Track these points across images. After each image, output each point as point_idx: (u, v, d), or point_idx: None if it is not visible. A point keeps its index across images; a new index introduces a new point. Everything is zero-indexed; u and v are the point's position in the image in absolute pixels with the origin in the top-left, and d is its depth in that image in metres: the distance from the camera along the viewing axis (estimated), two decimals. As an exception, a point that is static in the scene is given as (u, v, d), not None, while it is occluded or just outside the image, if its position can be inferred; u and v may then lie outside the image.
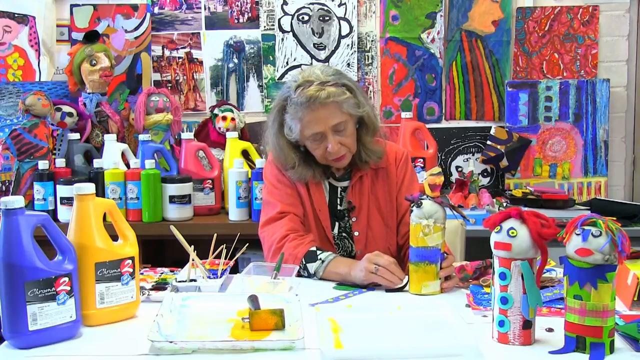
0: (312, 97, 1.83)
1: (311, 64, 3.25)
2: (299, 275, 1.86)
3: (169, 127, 2.99)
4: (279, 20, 3.25)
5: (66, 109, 2.98)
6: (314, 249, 1.86)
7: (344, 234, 2.01)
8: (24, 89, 3.10)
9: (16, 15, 3.22)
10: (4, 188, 2.83)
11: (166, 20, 3.28)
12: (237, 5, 3.26)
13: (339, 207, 2.02)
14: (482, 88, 3.25)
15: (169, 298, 1.56)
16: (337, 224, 2.01)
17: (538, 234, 1.32)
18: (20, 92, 3.08)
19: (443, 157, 3.26)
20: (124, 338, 1.43)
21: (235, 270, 2.09)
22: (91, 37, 3.04)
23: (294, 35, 3.26)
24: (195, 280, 1.74)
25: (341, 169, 2.02)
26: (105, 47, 3.08)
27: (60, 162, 2.82)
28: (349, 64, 3.25)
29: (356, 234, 2.00)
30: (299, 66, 3.26)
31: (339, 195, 2.03)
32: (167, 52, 3.28)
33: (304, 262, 1.84)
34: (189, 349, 1.33)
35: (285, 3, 3.24)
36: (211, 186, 2.80)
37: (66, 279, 1.40)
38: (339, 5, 3.23)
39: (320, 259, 1.83)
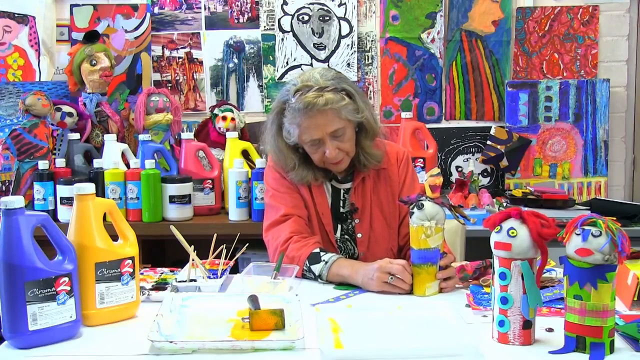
0: (310, 104, 1.82)
1: (311, 64, 3.25)
2: (304, 277, 1.86)
3: (169, 127, 2.99)
4: (279, 20, 3.25)
5: (66, 109, 2.98)
6: (317, 250, 1.85)
7: (346, 236, 2.01)
8: (24, 89, 3.10)
9: (16, 15, 3.22)
10: (4, 188, 2.83)
11: (166, 20, 3.28)
12: (237, 5, 3.26)
13: (341, 209, 2.02)
14: (482, 88, 3.25)
15: (169, 298, 1.56)
16: (339, 226, 2.01)
17: (538, 234, 1.33)
18: (20, 92, 3.08)
19: (443, 157, 3.26)
20: (124, 338, 1.43)
21: (235, 270, 2.09)
22: (91, 37, 3.04)
23: (294, 35, 3.26)
24: (195, 280, 1.74)
25: (343, 170, 2.01)
26: (105, 47, 3.08)
27: (60, 162, 2.82)
28: (349, 64, 3.25)
29: (359, 235, 1.99)
30: (299, 66, 3.26)
31: (341, 198, 2.02)
32: (167, 52, 3.29)
33: (308, 264, 1.84)
34: (189, 349, 1.33)
35: (285, 3, 3.24)
36: (211, 186, 2.80)
37: (66, 279, 1.40)
38: (339, 5, 3.23)
39: (324, 260, 1.82)
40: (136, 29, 3.25)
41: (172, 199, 2.68)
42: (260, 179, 2.48)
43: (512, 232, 1.33)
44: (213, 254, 1.90)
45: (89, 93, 3.03)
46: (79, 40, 3.10)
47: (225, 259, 1.88)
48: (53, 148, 2.94)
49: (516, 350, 1.34)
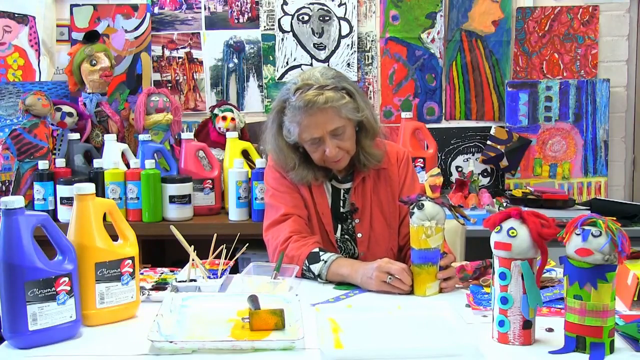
0: (310, 102, 1.82)
1: (311, 64, 3.25)
2: (303, 276, 1.86)
3: (169, 127, 2.99)
4: (279, 20, 3.25)
5: (66, 109, 2.98)
6: (316, 250, 1.85)
7: (346, 236, 2.01)
8: (24, 89, 3.10)
9: (16, 15, 3.22)
10: (4, 188, 2.83)
11: (166, 20, 3.28)
12: (237, 5, 3.26)
13: (341, 209, 2.02)
14: (482, 88, 3.25)
15: (169, 298, 1.56)
16: (339, 226, 2.01)
17: (538, 234, 1.32)
18: (20, 92, 3.08)
19: (443, 157, 3.26)
20: (124, 338, 1.43)
21: (235, 270, 2.09)
22: (91, 37, 3.04)
23: (294, 35, 3.26)
24: (195, 280, 1.74)
25: (343, 170, 2.01)
26: (105, 47, 3.08)
27: (60, 162, 2.82)
28: (349, 64, 3.25)
29: (359, 235, 1.99)
30: (299, 66, 3.26)
31: (341, 197, 2.02)
32: (167, 52, 3.29)
33: (307, 264, 1.83)
34: (189, 349, 1.33)
35: (285, 3, 3.24)
36: (211, 186, 2.80)
37: (66, 279, 1.40)
38: (339, 5, 3.23)
39: (323, 259, 1.82)
40: (136, 29, 3.25)
41: (172, 199, 2.68)
42: (260, 179, 2.48)
43: (512, 232, 1.33)
44: (213, 254, 1.90)
45: (89, 93, 3.03)
46: (79, 40, 3.10)
47: (225, 259, 1.88)
48: (53, 148, 2.94)
49: (516, 350, 1.34)
